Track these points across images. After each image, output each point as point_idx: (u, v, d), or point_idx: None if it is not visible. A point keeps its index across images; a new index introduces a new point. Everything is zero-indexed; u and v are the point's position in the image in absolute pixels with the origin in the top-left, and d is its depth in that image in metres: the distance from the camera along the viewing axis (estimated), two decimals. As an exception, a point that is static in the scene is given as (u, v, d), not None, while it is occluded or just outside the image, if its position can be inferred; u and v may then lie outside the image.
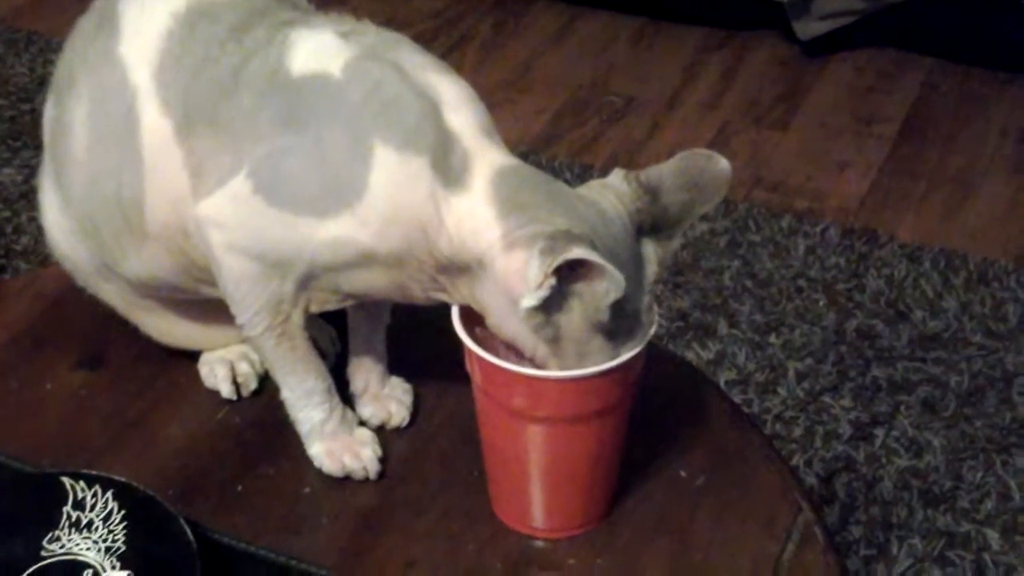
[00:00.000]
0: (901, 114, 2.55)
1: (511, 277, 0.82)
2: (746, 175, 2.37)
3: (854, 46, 2.73)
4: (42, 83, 2.61)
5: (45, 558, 0.81)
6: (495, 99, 2.51)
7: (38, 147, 1.00)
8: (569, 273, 0.80)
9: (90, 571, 0.80)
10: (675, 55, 2.74)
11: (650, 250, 0.86)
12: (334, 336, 1.05)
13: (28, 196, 2.19)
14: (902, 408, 1.84)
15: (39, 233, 1.97)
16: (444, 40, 2.75)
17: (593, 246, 0.80)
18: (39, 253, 2.08)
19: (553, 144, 2.43)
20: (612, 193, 0.86)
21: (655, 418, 0.99)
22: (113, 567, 0.81)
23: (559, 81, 2.66)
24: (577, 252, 0.79)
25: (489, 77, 2.63)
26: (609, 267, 0.79)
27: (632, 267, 0.84)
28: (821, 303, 2.03)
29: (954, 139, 2.48)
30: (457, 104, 0.87)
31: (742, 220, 2.21)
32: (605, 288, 0.80)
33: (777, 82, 2.66)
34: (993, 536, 1.66)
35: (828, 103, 2.59)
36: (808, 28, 2.66)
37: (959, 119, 2.54)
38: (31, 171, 2.23)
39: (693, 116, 2.53)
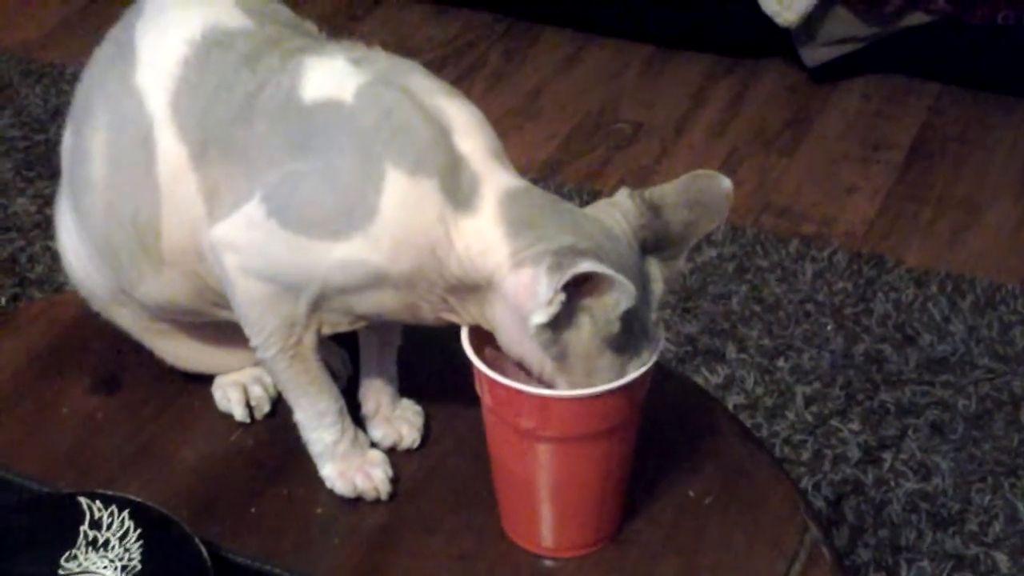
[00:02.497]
0: (908, 140, 2.56)
1: (520, 295, 0.84)
2: (754, 200, 2.38)
3: (861, 72, 2.74)
4: (56, 113, 2.64)
5: (62, 576, 0.83)
6: (504, 126, 2.53)
7: (52, 177, 1.02)
8: (577, 289, 0.82)
9: (107, 589, 0.82)
10: (683, 82, 2.76)
11: (655, 269, 0.88)
12: (346, 358, 1.06)
13: (42, 225, 2.21)
14: (910, 431, 1.85)
15: (53, 262, 1.99)
16: (453, 68, 2.77)
17: (599, 260, 0.81)
18: (53, 282, 2.10)
19: (562, 170, 2.44)
20: (617, 211, 0.87)
21: (663, 438, 1.00)
22: (129, 585, 0.82)
23: (568, 108, 2.67)
24: (585, 266, 0.80)
25: (498, 105, 2.65)
26: (618, 277, 0.80)
27: (638, 284, 0.85)
28: (829, 327, 2.04)
29: (961, 164, 2.49)
30: (467, 128, 0.88)
31: (750, 245, 2.22)
32: (615, 298, 0.81)
33: (784, 108, 2.67)
34: (1002, 559, 1.66)
35: (835, 129, 2.60)
36: (815, 55, 2.68)
37: (966, 144, 2.55)
38: (45, 201, 2.25)
39: (701, 142, 2.54)
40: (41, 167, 2.38)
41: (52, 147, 0.96)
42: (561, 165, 2.47)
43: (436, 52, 2.82)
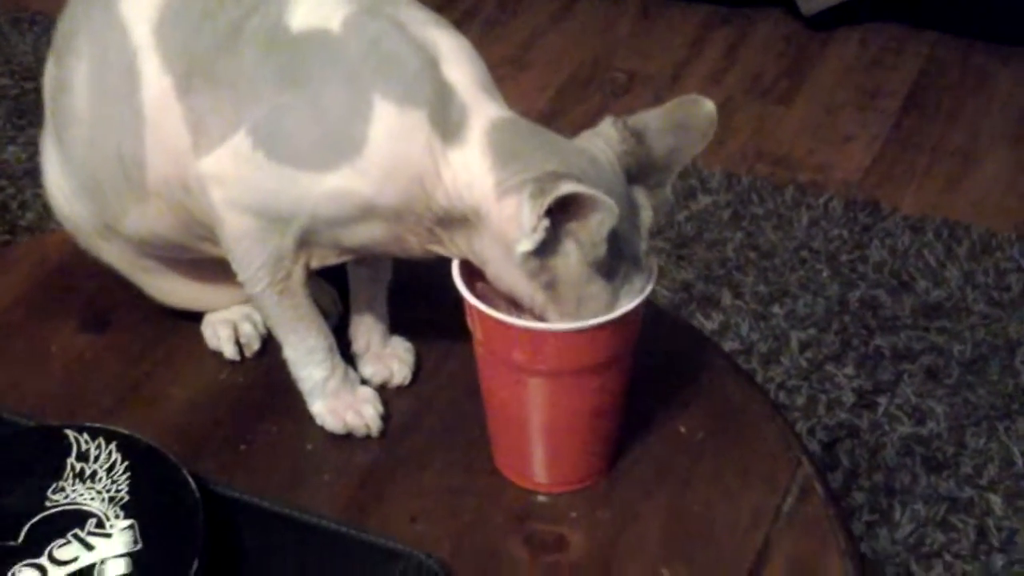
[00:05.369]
0: (904, 88, 2.55)
1: (505, 224, 0.83)
2: (749, 149, 2.37)
3: (857, 21, 2.73)
4: (45, 61, 2.62)
5: (49, 508, 0.82)
6: (498, 75, 2.49)
7: (42, 125, 1.01)
8: (562, 215, 0.81)
9: (94, 520, 0.81)
10: (679, 31, 2.74)
11: (642, 197, 0.87)
12: (336, 297, 1.05)
13: (32, 173, 2.20)
14: (905, 376, 1.85)
15: (44, 209, 1.98)
16: (448, 15, 2.74)
17: (581, 182, 0.80)
18: (44, 229, 2.09)
19: (556, 120, 2.43)
20: (601, 139, 0.87)
21: (655, 376, 0.99)
22: (117, 516, 0.81)
23: (562, 57, 2.66)
24: (566, 188, 0.79)
25: (492, 53, 2.62)
26: (599, 195, 0.79)
27: (626, 210, 0.84)
28: (824, 274, 2.04)
29: (957, 112, 2.48)
30: (455, 58, 0.87)
31: (745, 193, 2.21)
32: (599, 219, 0.80)
33: (781, 57, 2.66)
34: (996, 501, 1.67)
35: (832, 77, 2.59)
36: (811, 3, 2.66)
37: (962, 92, 2.54)
38: (36, 149, 2.21)
39: (697, 91, 2.50)
40: (31, 115, 2.37)
41: (42, 96, 0.95)
42: (556, 115, 2.46)
43: (429, 1, 2.80)
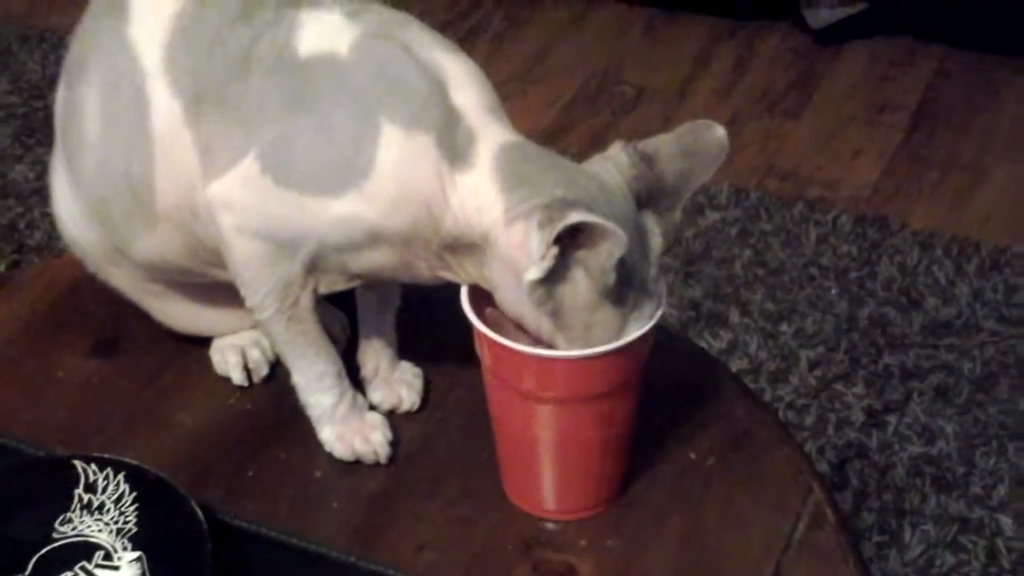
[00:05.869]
0: (913, 102, 2.54)
1: (514, 251, 0.82)
2: (758, 164, 2.36)
3: (866, 34, 2.72)
4: (54, 80, 2.60)
5: (57, 540, 0.81)
6: (506, 90, 2.51)
7: (51, 144, 1.01)
8: (570, 242, 0.80)
9: (101, 552, 0.81)
10: (686, 45, 2.74)
11: (652, 222, 0.87)
12: (344, 322, 1.05)
13: (41, 192, 2.19)
14: (915, 395, 1.84)
15: (52, 228, 1.98)
16: (455, 33, 2.75)
17: (590, 210, 0.80)
18: (52, 248, 2.09)
19: (565, 135, 2.43)
20: (611, 164, 0.86)
21: (664, 400, 0.99)
22: (124, 548, 0.81)
23: (571, 72, 2.65)
24: (574, 217, 0.79)
25: (500, 69, 2.63)
26: (608, 224, 0.79)
27: (635, 236, 0.84)
28: (833, 291, 2.03)
29: (966, 126, 2.47)
30: (463, 82, 0.87)
31: (753, 209, 2.21)
32: (608, 248, 0.80)
33: (789, 71, 2.65)
34: (1006, 522, 1.66)
35: (840, 91, 2.59)
36: (819, 17, 2.65)
37: (971, 106, 2.53)
38: (43, 168, 2.22)
39: (705, 105, 2.52)
40: (40, 134, 2.37)
41: (50, 114, 0.95)
42: (564, 130, 2.45)
43: (437, 16, 2.80)
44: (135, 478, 0.85)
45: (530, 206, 0.82)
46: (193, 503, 0.84)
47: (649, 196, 0.87)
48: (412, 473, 0.96)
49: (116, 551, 0.81)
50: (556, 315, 0.83)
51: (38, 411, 1.01)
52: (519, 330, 0.87)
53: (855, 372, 1.88)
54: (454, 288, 0.89)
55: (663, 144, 0.87)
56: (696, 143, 0.87)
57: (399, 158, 0.84)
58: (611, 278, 0.82)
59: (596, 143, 2.41)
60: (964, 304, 2.00)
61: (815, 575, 0.89)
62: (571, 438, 0.89)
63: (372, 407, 0.99)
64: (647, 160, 0.86)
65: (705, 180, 0.88)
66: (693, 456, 0.97)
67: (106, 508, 0.83)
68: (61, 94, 0.98)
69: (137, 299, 1.03)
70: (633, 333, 0.85)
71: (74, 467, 0.86)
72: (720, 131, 0.87)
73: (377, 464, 0.96)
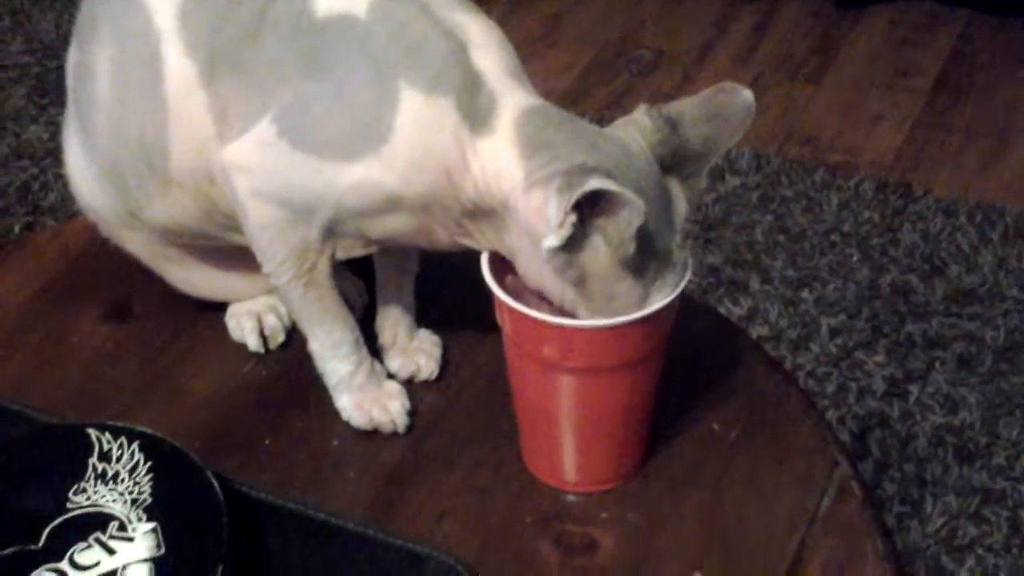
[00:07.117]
0: (936, 67, 2.51)
1: (532, 218, 0.81)
2: (779, 129, 2.34)
3: (888, -1, 2.69)
4: (68, 39, 2.59)
5: (71, 510, 0.80)
6: (524, 54, 2.47)
7: (64, 104, 0.99)
8: (590, 209, 0.79)
9: (116, 523, 0.79)
10: (706, 8, 2.71)
11: (677, 188, 0.85)
12: (362, 288, 1.04)
13: (55, 153, 2.18)
14: (937, 364, 1.82)
15: (66, 190, 1.97)
16: (472, -6, 2.72)
17: (610, 176, 0.78)
18: (66, 210, 2.08)
19: (582, 99, 2.40)
20: (635, 128, 0.84)
21: (687, 371, 0.97)
22: (139, 519, 0.80)
23: (588, 36, 2.63)
24: (593, 184, 0.77)
25: (518, 32, 2.60)
26: (627, 192, 0.77)
27: (659, 203, 0.82)
28: (855, 258, 2.01)
29: (990, 91, 2.44)
30: (484, 44, 0.85)
31: (774, 175, 2.18)
32: (627, 216, 0.78)
33: (810, 35, 2.62)
34: (1029, 493, 1.64)
35: (862, 56, 2.55)
36: (841, -20, 2.62)
37: (994, 71, 2.50)
38: (57, 128, 2.21)
39: (724, 70, 2.50)
40: (53, 94, 2.36)
41: (64, 73, 0.94)
42: (582, 93, 2.43)
43: (454, -23, 2.77)
44: (150, 447, 0.84)
45: (550, 172, 0.80)
46: (208, 473, 0.83)
47: (673, 161, 0.85)
48: (430, 443, 0.94)
49: (131, 522, 0.79)
50: (578, 284, 0.82)
51: (51, 378, 1.00)
52: (541, 299, 0.85)
53: (877, 340, 1.86)
54: (474, 255, 0.87)
55: (688, 107, 0.85)
56: (722, 106, 0.85)
57: (418, 122, 0.83)
58: (631, 247, 0.80)
59: (614, 107, 2.38)
60: (988, 272, 1.97)
61: (840, 551, 0.87)
62: (593, 409, 0.87)
63: (390, 376, 0.97)
64: (672, 124, 0.84)
65: (731, 145, 0.86)
66: (716, 428, 0.95)
67: (121, 478, 0.82)
68: (72, 57, 0.96)
69: (152, 264, 1.02)
70: (656, 303, 0.83)
71: (88, 436, 0.84)
72: (747, 94, 0.85)
73: (395, 434, 0.94)
